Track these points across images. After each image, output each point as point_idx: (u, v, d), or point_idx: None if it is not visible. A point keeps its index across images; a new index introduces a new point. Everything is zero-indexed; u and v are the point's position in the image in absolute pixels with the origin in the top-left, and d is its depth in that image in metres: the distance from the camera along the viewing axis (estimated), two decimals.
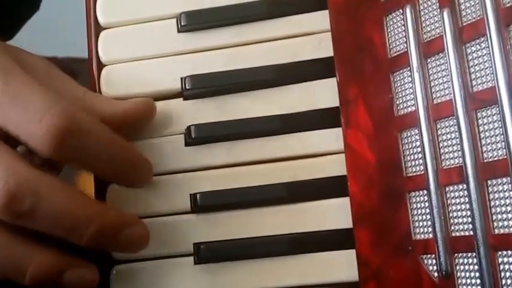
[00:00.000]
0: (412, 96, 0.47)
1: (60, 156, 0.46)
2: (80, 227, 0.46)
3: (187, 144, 0.54)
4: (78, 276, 0.48)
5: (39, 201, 0.45)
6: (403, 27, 0.48)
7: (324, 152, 0.53)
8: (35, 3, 0.88)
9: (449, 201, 0.44)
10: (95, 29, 0.57)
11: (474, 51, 0.43)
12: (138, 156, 0.52)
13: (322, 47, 0.53)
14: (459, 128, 0.43)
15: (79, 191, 0.48)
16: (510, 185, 0.40)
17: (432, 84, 0.46)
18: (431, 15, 0.46)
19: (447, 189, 0.44)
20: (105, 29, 0.57)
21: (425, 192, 0.45)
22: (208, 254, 0.52)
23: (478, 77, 0.43)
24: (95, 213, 0.47)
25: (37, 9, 0.88)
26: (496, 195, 0.41)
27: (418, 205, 0.46)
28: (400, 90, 0.48)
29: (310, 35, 0.54)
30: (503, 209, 0.41)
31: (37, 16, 0.88)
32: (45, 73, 0.52)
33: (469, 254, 0.43)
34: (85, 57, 0.57)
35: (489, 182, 0.42)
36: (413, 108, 0.46)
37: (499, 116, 0.41)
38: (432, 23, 0.46)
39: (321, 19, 0.54)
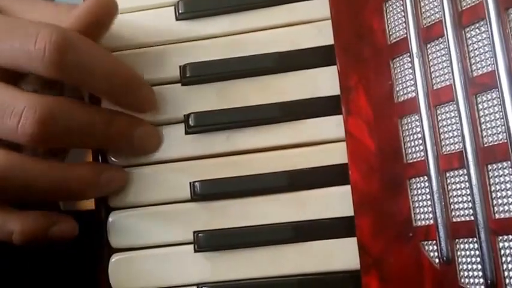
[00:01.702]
0: (412, 82, 0.47)
1: (61, 72, 0.47)
2: (101, 128, 0.51)
3: (187, 132, 0.54)
4: (110, 177, 0.53)
5: (67, 122, 0.48)
6: (402, 13, 0.48)
7: (325, 140, 0.52)
8: None
9: (449, 187, 0.44)
10: None
11: (474, 36, 0.43)
12: (135, 75, 0.52)
13: (322, 35, 0.53)
14: (459, 112, 0.43)
15: (90, 105, 0.52)
16: (510, 169, 0.40)
17: (432, 69, 0.46)
18: (431, 0, 0.46)
19: (447, 174, 0.44)
20: None
21: (425, 178, 0.45)
22: (208, 242, 0.52)
23: (478, 62, 0.42)
24: (112, 115, 0.52)
25: None
26: (497, 180, 0.41)
27: (419, 191, 0.46)
28: (400, 76, 0.48)
29: (310, 23, 0.54)
30: (504, 193, 0.41)
31: None
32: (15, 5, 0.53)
33: (470, 239, 0.42)
34: None
35: (489, 167, 0.41)
36: (413, 94, 0.46)
37: (499, 100, 0.41)
38: (432, 8, 0.46)
39: (320, 7, 0.53)
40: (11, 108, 0.47)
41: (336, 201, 0.51)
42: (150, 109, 0.53)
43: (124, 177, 0.54)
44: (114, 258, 0.53)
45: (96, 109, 0.52)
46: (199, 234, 0.52)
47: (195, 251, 0.52)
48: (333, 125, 0.52)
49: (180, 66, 0.54)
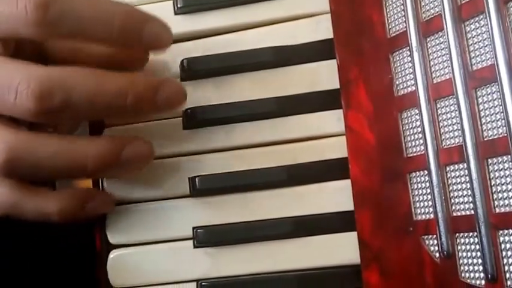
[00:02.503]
0: (411, 76, 0.47)
1: (49, 26, 0.45)
2: (118, 100, 0.47)
3: (185, 127, 0.54)
4: (135, 151, 0.49)
5: (68, 92, 0.45)
6: (402, 6, 0.47)
7: (325, 134, 0.52)
8: None
9: (449, 181, 0.44)
10: None
11: (473, 29, 0.43)
12: (134, 10, 0.49)
13: (322, 29, 0.53)
14: (459, 106, 0.43)
15: (101, 70, 0.47)
16: (511, 163, 0.40)
17: (432, 63, 0.45)
18: None
19: (448, 168, 0.44)
20: None
21: (425, 172, 0.45)
22: (208, 237, 0.52)
23: (478, 55, 0.42)
24: (128, 83, 0.47)
25: None
26: (497, 174, 0.41)
27: (419, 185, 0.46)
28: (399, 70, 0.48)
29: (309, 17, 0.54)
30: (504, 187, 0.40)
31: None
32: None
33: (470, 234, 0.42)
34: None
35: (489, 161, 0.41)
36: (413, 88, 0.46)
37: (498, 93, 0.40)
38: (431, 2, 0.46)
39: (319, 1, 0.53)
40: (7, 83, 0.45)
41: (335, 196, 0.51)
42: (163, 45, 0.50)
43: (150, 151, 0.50)
44: (113, 254, 0.53)
45: (106, 78, 0.47)
46: (199, 230, 0.52)
47: (195, 246, 0.52)
48: (332, 119, 0.52)
49: (180, 60, 0.54)
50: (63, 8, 0.45)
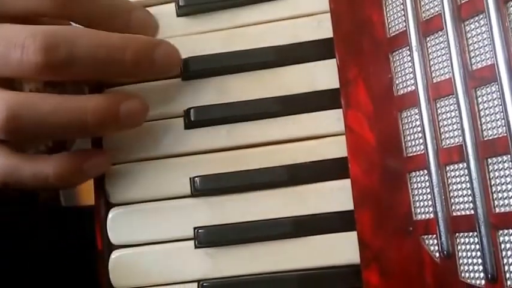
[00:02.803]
0: (411, 75, 0.47)
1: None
2: (117, 53, 0.48)
3: (186, 127, 0.54)
4: (131, 107, 0.50)
5: (73, 44, 0.46)
6: (402, 6, 0.47)
7: (325, 134, 0.52)
8: None
9: (449, 181, 0.44)
10: None
11: (473, 29, 0.43)
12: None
13: (322, 28, 0.53)
14: (459, 106, 0.43)
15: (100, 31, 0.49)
16: (510, 163, 0.40)
17: (431, 63, 0.45)
18: None
19: (447, 168, 0.44)
20: None
21: (425, 172, 0.45)
22: (209, 238, 0.52)
23: (477, 55, 0.42)
24: (127, 39, 0.49)
25: None
26: (497, 174, 0.41)
27: (419, 185, 0.46)
28: (399, 69, 0.48)
29: (309, 16, 0.54)
30: (504, 187, 0.41)
31: None
32: None
33: (470, 234, 0.42)
34: None
35: (489, 160, 0.41)
36: (413, 87, 0.46)
37: (498, 93, 0.40)
38: (431, 1, 0.46)
39: (320, 0, 0.53)
40: (14, 41, 0.46)
41: (336, 195, 0.51)
42: (149, 33, 0.52)
43: (145, 109, 0.52)
44: (115, 254, 0.53)
45: (107, 34, 0.49)
46: (200, 230, 0.52)
47: (196, 247, 0.52)
48: (332, 119, 0.52)
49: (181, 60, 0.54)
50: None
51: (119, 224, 0.54)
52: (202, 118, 0.53)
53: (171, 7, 0.56)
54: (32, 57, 0.45)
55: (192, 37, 0.55)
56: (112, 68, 0.49)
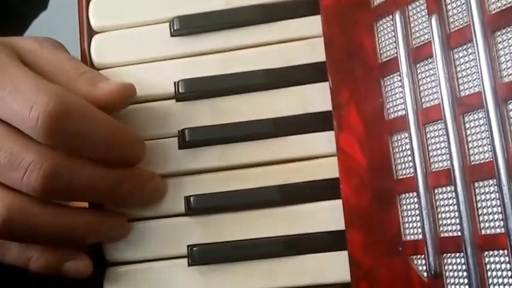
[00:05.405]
0: (401, 100, 0.48)
1: (56, 140, 0.47)
2: (114, 189, 0.51)
3: (180, 147, 0.54)
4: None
5: (73, 177, 0.48)
6: (393, 32, 0.49)
7: (317, 155, 0.53)
8: (44, 3, 0.88)
9: (437, 203, 0.45)
10: (87, 32, 0.57)
11: (461, 57, 0.44)
12: (132, 137, 0.53)
13: (315, 52, 0.54)
14: (447, 131, 0.44)
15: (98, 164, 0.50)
16: (496, 187, 0.41)
17: (421, 88, 0.46)
18: (420, 21, 0.47)
19: (436, 191, 0.45)
20: (98, 32, 0.57)
21: (414, 194, 0.46)
22: (202, 255, 0.53)
23: (465, 82, 0.43)
24: (126, 175, 0.52)
25: (45, 9, 0.89)
26: (483, 197, 0.42)
27: (408, 207, 0.47)
28: (390, 94, 0.49)
29: (303, 40, 0.55)
30: (490, 210, 0.42)
31: None
32: (40, 56, 0.52)
33: (457, 254, 0.43)
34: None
35: (476, 184, 0.42)
36: (403, 112, 0.47)
37: (485, 120, 0.42)
38: (421, 29, 0.47)
39: (313, 24, 0.54)
40: (19, 160, 0.47)
41: (327, 215, 0.52)
42: (136, 163, 0.53)
43: (124, 224, 0.54)
44: (109, 271, 0.54)
45: (106, 172, 0.51)
46: (193, 248, 0.53)
47: (189, 264, 0.53)
48: (324, 141, 0.53)
49: (174, 82, 0.55)
50: (72, 127, 0.47)
51: (114, 243, 0.54)
52: (196, 138, 0.54)
53: (165, 26, 0.56)
54: (32, 182, 0.47)
55: (186, 59, 0.56)
56: (105, 199, 0.53)
